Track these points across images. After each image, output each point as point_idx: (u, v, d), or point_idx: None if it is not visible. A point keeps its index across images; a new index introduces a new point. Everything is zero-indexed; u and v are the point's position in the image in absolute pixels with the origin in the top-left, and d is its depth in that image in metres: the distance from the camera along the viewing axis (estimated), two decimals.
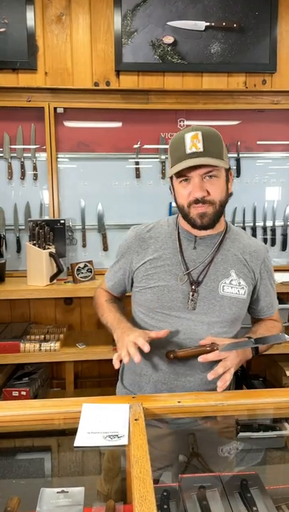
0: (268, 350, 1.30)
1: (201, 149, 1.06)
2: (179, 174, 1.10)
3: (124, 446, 0.79)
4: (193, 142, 1.06)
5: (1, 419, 0.91)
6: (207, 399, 0.96)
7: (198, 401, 0.95)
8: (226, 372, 1.05)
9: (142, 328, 1.21)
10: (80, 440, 0.81)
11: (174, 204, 2.78)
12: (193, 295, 1.13)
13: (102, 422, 0.86)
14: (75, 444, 0.80)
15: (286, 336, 1.07)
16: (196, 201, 1.09)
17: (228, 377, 1.05)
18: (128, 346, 1.02)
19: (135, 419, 0.85)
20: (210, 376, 1.04)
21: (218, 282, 1.16)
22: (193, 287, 1.14)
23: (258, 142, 2.64)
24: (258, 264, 1.22)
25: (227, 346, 1.06)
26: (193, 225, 1.14)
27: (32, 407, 0.94)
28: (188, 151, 1.06)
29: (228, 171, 1.16)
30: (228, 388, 1.22)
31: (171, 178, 1.16)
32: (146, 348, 1.00)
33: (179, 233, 1.21)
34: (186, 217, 1.14)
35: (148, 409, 0.91)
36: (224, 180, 1.13)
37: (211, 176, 1.09)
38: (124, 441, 0.80)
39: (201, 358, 1.05)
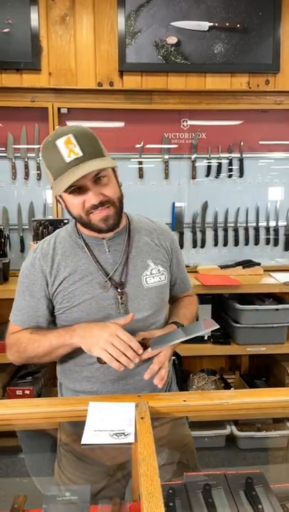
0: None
1: (80, 153, 0.96)
2: (69, 186, 0.98)
3: (130, 444, 0.80)
4: (68, 148, 0.96)
5: (7, 417, 0.92)
6: (212, 397, 0.96)
7: (203, 400, 0.95)
8: (161, 368, 1.02)
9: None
10: (87, 438, 0.81)
11: (178, 204, 2.76)
12: (122, 298, 1.09)
13: (108, 421, 0.86)
14: (83, 442, 0.80)
15: (214, 322, 1.03)
16: (95, 207, 1.03)
17: (164, 372, 1.03)
18: (124, 350, 0.96)
19: (141, 418, 0.85)
20: (146, 376, 1.01)
21: (140, 276, 1.13)
22: (119, 290, 1.09)
23: (261, 142, 2.65)
24: (167, 245, 1.22)
25: (157, 340, 1.03)
26: (99, 231, 1.07)
27: (38, 405, 0.94)
28: (67, 159, 0.96)
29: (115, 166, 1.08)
30: (169, 380, 1.20)
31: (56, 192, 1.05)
32: (141, 351, 0.97)
33: (84, 241, 1.13)
34: (87, 225, 1.07)
35: (154, 408, 0.92)
36: (113, 176, 1.08)
37: (100, 178, 1.01)
38: (130, 439, 0.80)
39: (136, 359, 0.99)
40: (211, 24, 2.49)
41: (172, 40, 2.49)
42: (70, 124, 2.52)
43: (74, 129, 1.01)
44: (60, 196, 1.06)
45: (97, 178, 1.01)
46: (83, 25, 2.47)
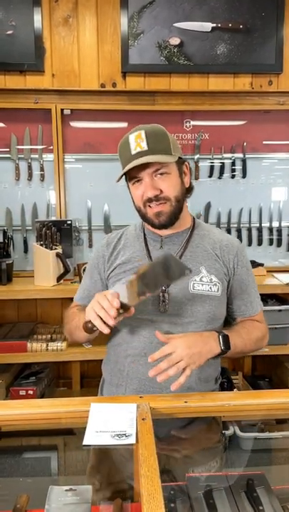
0: (256, 348, 1.21)
1: (146, 148, 1.05)
2: (130, 176, 1.09)
3: (132, 445, 0.80)
4: (137, 142, 1.06)
5: (9, 417, 0.93)
6: (214, 399, 0.96)
7: (204, 401, 0.95)
8: (171, 368, 0.95)
9: (115, 338, 1.20)
10: (89, 439, 0.82)
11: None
12: (163, 296, 1.10)
13: (109, 421, 0.87)
14: (84, 443, 0.81)
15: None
16: (150, 200, 1.09)
17: (171, 372, 0.95)
18: (103, 303, 0.97)
19: (142, 419, 0.86)
20: (151, 373, 0.96)
21: (188, 280, 1.12)
22: (163, 288, 1.11)
23: (264, 143, 2.64)
24: (230, 259, 1.16)
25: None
26: (153, 225, 1.14)
27: (40, 406, 0.95)
28: (133, 151, 1.06)
29: (182, 164, 1.13)
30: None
31: (127, 181, 1.16)
32: (116, 303, 0.96)
33: (145, 235, 1.20)
34: (144, 217, 1.15)
35: (155, 409, 0.92)
36: (177, 175, 1.11)
37: (161, 174, 1.08)
38: (131, 440, 0.81)
39: (149, 359, 0.98)
40: (214, 25, 2.49)
41: (175, 41, 2.49)
42: (73, 124, 2.53)
43: (149, 126, 1.10)
44: (128, 188, 1.16)
45: (158, 173, 1.08)
46: (86, 26, 2.48)
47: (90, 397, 0.98)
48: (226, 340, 1.07)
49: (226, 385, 1.22)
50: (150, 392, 1.08)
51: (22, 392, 2.26)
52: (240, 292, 1.19)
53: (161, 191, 1.09)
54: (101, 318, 0.96)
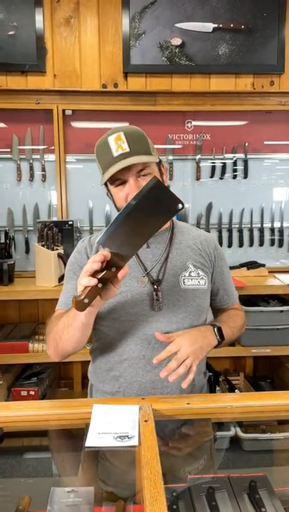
0: (240, 334, 1.24)
1: (127, 149, 1.04)
2: (113, 179, 1.07)
3: (134, 446, 0.80)
4: (117, 144, 1.05)
5: (10, 419, 0.92)
6: (216, 400, 0.96)
7: (206, 403, 0.95)
8: (180, 366, 0.96)
9: (104, 343, 1.13)
10: (91, 441, 0.82)
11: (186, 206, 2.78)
12: (156, 294, 1.09)
13: (112, 423, 0.87)
14: (86, 445, 0.81)
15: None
16: None
17: (182, 371, 0.95)
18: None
19: (145, 421, 0.85)
20: (162, 374, 0.95)
21: (178, 276, 1.13)
22: (155, 286, 1.10)
23: (265, 143, 2.64)
24: (211, 252, 1.20)
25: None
26: None
27: (41, 407, 0.95)
28: (114, 153, 1.05)
29: (159, 164, 1.14)
30: (201, 391, 1.16)
31: (106, 184, 1.13)
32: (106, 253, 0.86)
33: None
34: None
35: (157, 411, 0.92)
36: (158, 175, 1.11)
37: (144, 174, 1.07)
38: (134, 442, 0.80)
39: (154, 360, 0.98)
40: (216, 25, 2.49)
41: (176, 41, 2.49)
42: (74, 124, 2.53)
43: (126, 128, 1.09)
44: (108, 190, 1.14)
45: (141, 174, 1.07)
46: (88, 26, 2.48)
47: (93, 398, 0.98)
48: (221, 332, 1.12)
49: (212, 379, 1.23)
50: (151, 394, 1.07)
51: (24, 393, 2.26)
52: (222, 283, 1.24)
53: None
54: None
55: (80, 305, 0.87)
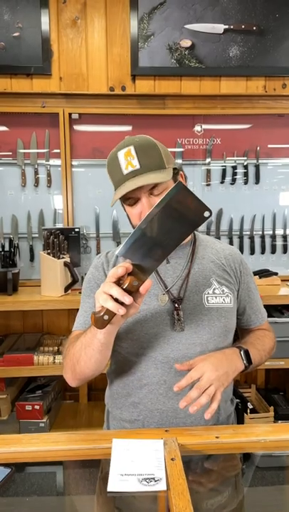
0: (268, 357, 1.15)
1: (138, 166, 0.97)
2: (125, 197, 1.01)
3: (162, 491, 0.72)
4: (127, 160, 0.97)
5: (22, 456, 0.84)
6: (248, 433, 0.88)
7: (237, 436, 0.87)
8: (202, 395, 0.87)
9: (121, 366, 1.05)
10: (114, 484, 0.73)
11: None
12: (178, 314, 1.01)
13: (134, 462, 0.78)
14: (109, 489, 0.72)
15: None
16: None
17: (204, 401, 0.86)
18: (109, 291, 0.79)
19: (171, 459, 0.77)
20: (181, 404, 0.86)
21: (201, 294, 1.05)
22: (176, 305, 1.02)
23: (278, 147, 2.56)
24: (236, 267, 1.11)
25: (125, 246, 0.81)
26: None
27: (56, 441, 0.86)
28: (124, 171, 0.98)
29: (176, 174, 1.06)
30: (228, 421, 1.07)
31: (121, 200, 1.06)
32: (128, 266, 0.79)
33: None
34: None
35: (183, 446, 0.83)
36: None
37: (158, 193, 0.99)
38: (162, 486, 0.72)
39: (175, 388, 0.89)
40: (226, 27, 2.41)
41: (186, 43, 2.42)
42: (81, 128, 2.45)
43: (137, 140, 1.00)
44: (123, 207, 1.08)
45: (154, 191, 1.00)
46: (95, 28, 2.40)
47: (112, 430, 0.89)
48: (248, 355, 1.03)
49: (240, 406, 1.12)
50: (173, 424, 0.99)
51: (28, 407, 2.18)
52: (248, 301, 1.15)
53: None
54: (114, 299, 0.79)
55: (100, 322, 0.81)
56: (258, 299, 1.18)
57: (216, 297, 1.06)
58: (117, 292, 0.78)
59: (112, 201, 1.01)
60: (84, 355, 0.94)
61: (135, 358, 1.03)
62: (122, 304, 0.79)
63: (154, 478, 0.74)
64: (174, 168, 1.05)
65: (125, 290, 0.79)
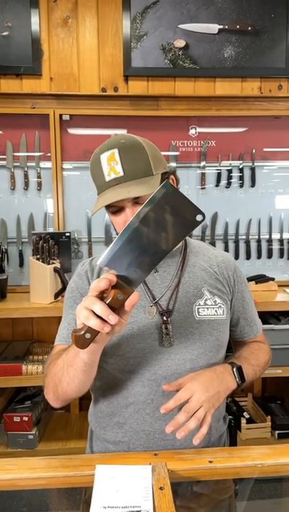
0: (263, 372, 1.08)
1: (121, 173, 0.88)
2: (107, 205, 0.93)
3: None
4: (110, 166, 0.89)
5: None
6: (243, 457, 0.80)
7: (232, 460, 0.80)
8: (191, 418, 0.80)
9: (106, 383, 0.97)
10: None
11: None
12: (166, 328, 0.93)
13: (119, 492, 0.71)
14: None
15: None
16: None
17: (193, 425, 0.79)
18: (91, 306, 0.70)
19: (160, 488, 0.70)
20: (168, 429, 0.79)
21: (192, 305, 0.97)
22: (164, 318, 0.94)
23: (274, 150, 2.51)
24: (229, 275, 1.04)
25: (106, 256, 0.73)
26: None
27: (35, 468, 0.79)
28: (107, 178, 0.90)
29: (166, 179, 0.97)
30: (220, 441, 1.00)
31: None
32: (111, 278, 0.70)
33: None
34: None
35: (174, 472, 0.76)
36: None
37: (142, 199, 0.90)
38: None
39: (162, 410, 0.82)
40: (221, 27, 2.36)
41: (180, 43, 2.36)
42: (72, 130, 2.39)
43: (123, 142, 0.91)
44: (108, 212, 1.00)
45: (139, 200, 0.91)
46: (86, 28, 2.34)
47: (95, 455, 0.82)
48: (241, 372, 0.95)
49: (233, 423, 1.04)
50: (161, 447, 0.91)
51: (16, 419, 2.09)
52: (242, 312, 1.07)
53: None
54: (97, 315, 0.70)
55: (81, 341, 0.72)
56: (252, 310, 1.11)
57: (207, 309, 0.98)
58: (100, 309, 0.69)
59: (93, 210, 0.94)
60: (66, 375, 0.85)
61: (121, 374, 0.96)
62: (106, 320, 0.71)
63: (140, 511, 0.67)
64: (165, 173, 0.97)
65: (109, 305, 0.70)
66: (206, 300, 0.99)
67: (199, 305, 0.98)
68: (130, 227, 0.72)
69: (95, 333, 0.72)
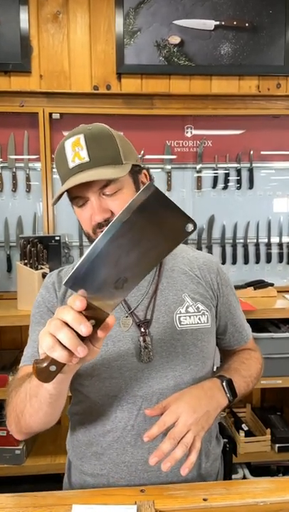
0: (256, 383, 0.98)
1: (86, 159, 0.81)
2: (71, 196, 0.85)
3: None
4: (74, 151, 0.82)
5: None
6: (243, 494, 0.70)
7: (230, 498, 0.69)
8: (178, 446, 0.70)
9: (90, 412, 0.86)
10: None
11: None
12: (144, 340, 0.84)
13: None
14: None
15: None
16: (100, 226, 0.83)
17: (180, 454, 0.69)
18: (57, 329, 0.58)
19: None
20: (151, 460, 0.69)
21: (172, 314, 0.87)
22: (142, 330, 0.85)
23: (272, 151, 2.42)
24: (212, 278, 0.94)
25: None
26: None
27: (2, 507, 0.68)
28: (70, 164, 0.82)
29: (138, 173, 0.89)
30: (213, 466, 0.88)
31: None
32: (80, 303, 0.58)
33: None
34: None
35: None
36: (132, 188, 0.86)
37: (110, 193, 0.83)
38: None
39: (145, 438, 0.72)
40: (217, 23, 2.28)
41: (175, 40, 2.28)
42: (63, 130, 2.29)
43: (90, 128, 0.86)
44: (73, 207, 0.91)
45: (105, 190, 0.82)
46: (78, 23, 2.25)
47: (72, 491, 0.71)
48: (232, 386, 0.85)
49: (228, 447, 0.93)
50: (144, 480, 0.80)
51: (2, 433, 1.98)
52: (230, 317, 0.98)
53: (113, 213, 0.82)
54: (63, 345, 0.58)
55: (44, 375, 0.61)
56: (240, 314, 1.01)
57: (189, 317, 0.88)
58: (67, 338, 0.57)
59: (54, 199, 0.85)
60: (29, 406, 0.74)
61: (97, 398, 0.85)
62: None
63: None
64: (136, 165, 0.88)
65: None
66: (187, 307, 0.89)
67: (180, 313, 0.88)
68: (105, 237, 0.59)
69: (60, 365, 0.60)
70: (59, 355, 0.58)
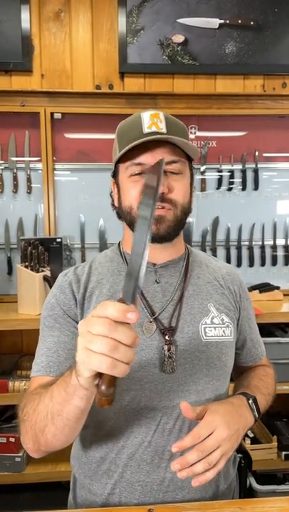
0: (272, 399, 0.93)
1: (164, 130, 0.80)
2: (132, 163, 0.81)
3: None
4: (153, 121, 0.81)
5: None
6: None
7: None
8: (202, 461, 0.65)
9: (104, 426, 0.80)
10: None
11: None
12: (169, 349, 0.78)
13: None
14: None
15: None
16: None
17: (200, 469, 0.64)
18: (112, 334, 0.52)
19: None
20: (174, 466, 0.64)
21: (198, 324, 0.83)
22: (167, 337, 0.79)
23: (278, 152, 2.37)
24: (235, 290, 0.91)
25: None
26: None
27: None
28: (146, 130, 0.80)
29: (192, 170, 0.89)
30: (230, 488, 0.83)
31: (114, 175, 0.86)
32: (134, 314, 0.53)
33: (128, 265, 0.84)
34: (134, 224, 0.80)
35: None
36: (189, 181, 0.86)
37: (174, 171, 0.82)
38: None
39: (174, 448, 0.67)
40: (222, 21, 2.24)
41: (179, 38, 2.24)
42: (68, 131, 2.25)
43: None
44: (117, 184, 0.87)
45: (171, 168, 0.81)
46: (80, 22, 2.22)
47: (78, 510, 0.66)
48: (256, 404, 0.80)
49: (243, 463, 0.88)
50: (159, 500, 0.74)
51: (2, 440, 1.94)
52: (249, 332, 0.94)
53: (169, 191, 0.80)
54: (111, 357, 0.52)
55: (110, 401, 0.55)
56: (256, 329, 0.98)
57: (214, 328, 0.83)
58: (129, 355, 0.52)
59: (116, 157, 0.82)
60: (51, 425, 0.67)
61: (111, 411, 0.79)
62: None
63: None
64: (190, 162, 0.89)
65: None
66: (212, 318, 0.84)
67: (206, 324, 0.83)
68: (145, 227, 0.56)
69: (111, 382, 0.54)
70: (121, 370, 0.52)
